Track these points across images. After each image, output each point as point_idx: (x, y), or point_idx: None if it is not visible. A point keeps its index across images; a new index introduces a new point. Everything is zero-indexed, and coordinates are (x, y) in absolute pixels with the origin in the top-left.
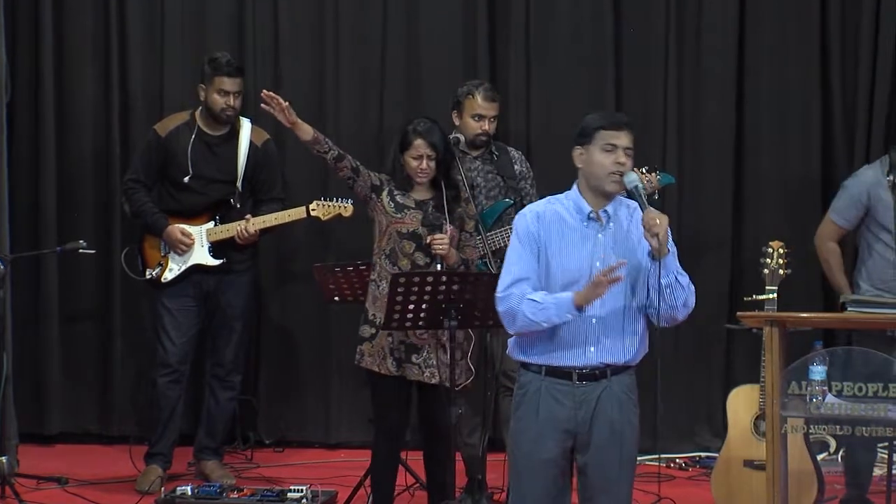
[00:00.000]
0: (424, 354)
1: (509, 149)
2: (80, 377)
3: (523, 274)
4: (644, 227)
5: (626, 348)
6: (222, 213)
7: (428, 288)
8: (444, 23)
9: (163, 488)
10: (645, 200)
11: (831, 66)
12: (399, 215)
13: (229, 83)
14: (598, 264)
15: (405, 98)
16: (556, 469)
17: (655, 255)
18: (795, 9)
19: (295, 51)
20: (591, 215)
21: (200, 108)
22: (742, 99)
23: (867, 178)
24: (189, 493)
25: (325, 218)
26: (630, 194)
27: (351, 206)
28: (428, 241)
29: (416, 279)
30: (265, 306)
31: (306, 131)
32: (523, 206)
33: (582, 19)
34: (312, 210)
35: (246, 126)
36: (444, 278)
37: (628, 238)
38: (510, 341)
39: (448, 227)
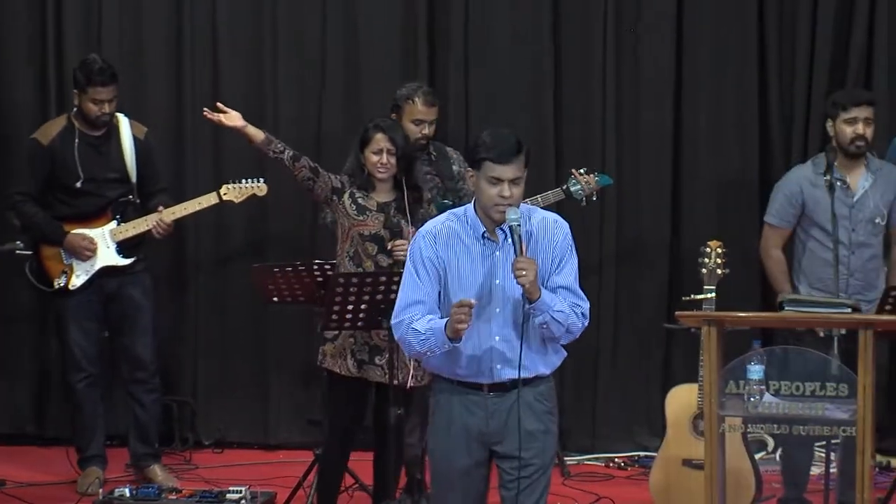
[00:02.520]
0: (387, 356)
1: (448, 149)
2: (16, 378)
3: (414, 298)
4: (513, 274)
5: (534, 362)
6: (121, 211)
7: (367, 288)
8: (383, 24)
9: (101, 490)
10: (521, 242)
11: (769, 66)
12: (361, 218)
13: (104, 92)
14: (497, 282)
15: (344, 99)
16: (472, 478)
17: (526, 300)
18: (733, 9)
19: (233, 52)
20: (486, 235)
21: (75, 110)
22: (680, 99)
23: (799, 176)
24: (127, 494)
25: (239, 200)
26: (511, 232)
27: (264, 186)
28: (390, 247)
29: (355, 280)
30: (203, 307)
31: (256, 134)
32: (461, 205)
33: (520, 20)
34: (224, 194)
35: (124, 122)
36: (382, 278)
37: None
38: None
39: (410, 230)
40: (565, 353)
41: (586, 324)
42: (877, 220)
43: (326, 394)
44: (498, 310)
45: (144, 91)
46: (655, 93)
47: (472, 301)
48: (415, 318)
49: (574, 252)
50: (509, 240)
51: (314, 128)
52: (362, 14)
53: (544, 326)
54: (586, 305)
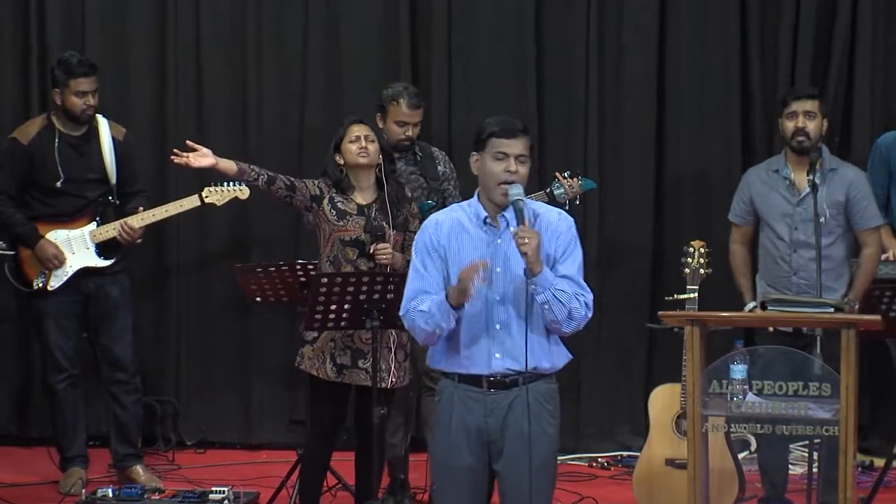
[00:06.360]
0: (371, 358)
1: (433, 149)
2: None
3: (420, 288)
4: (515, 243)
5: (535, 354)
6: (101, 212)
7: (350, 288)
8: (366, 23)
9: (84, 490)
10: (523, 216)
11: (751, 66)
12: (341, 223)
13: (86, 83)
14: (498, 270)
15: (327, 98)
16: (472, 476)
17: (528, 273)
18: (716, 7)
19: (216, 52)
20: (488, 220)
21: (54, 110)
22: (662, 99)
23: (750, 175)
24: (110, 494)
25: (221, 203)
26: (514, 207)
27: (247, 189)
28: (371, 251)
29: (339, 280)
30: (186, 307)
31: (228, 167)
32: (446, 206)
33: (503, 20)
34: (206, 197)
35: (103, 122)
36: (365, 278)
37: None
38: (428, 351)
39: (391, 233)
40: (571, 357)
41: (589, 315)
42: (820, 220)
43: (308, 395)
44: (498, 297)
45: (128, 91)
46: (637, 92)
47: (486, 262)
48: (420, 303)
49: (579, 245)
50: (511, 228)
51: (297, 126)
52: (344, 13)
53: (546, 306)
54: (590, 296)
